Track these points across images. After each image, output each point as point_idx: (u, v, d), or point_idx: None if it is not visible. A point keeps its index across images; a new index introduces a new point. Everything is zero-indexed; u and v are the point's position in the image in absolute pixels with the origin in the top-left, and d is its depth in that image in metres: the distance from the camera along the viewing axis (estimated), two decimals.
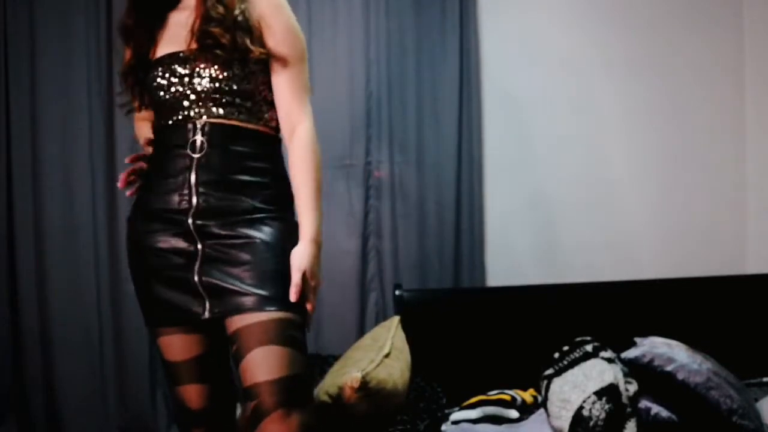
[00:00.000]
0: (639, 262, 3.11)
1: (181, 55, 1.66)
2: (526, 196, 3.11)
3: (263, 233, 1.61)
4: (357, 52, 2.98)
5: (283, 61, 1.67)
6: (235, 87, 1.64)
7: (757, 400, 2.17)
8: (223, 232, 1.59)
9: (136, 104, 1.75)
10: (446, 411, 2.33)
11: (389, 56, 2.99)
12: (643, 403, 1.88)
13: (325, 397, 1.72)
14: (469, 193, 3.03)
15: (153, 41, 1.71)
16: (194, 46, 1.66)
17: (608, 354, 1.96)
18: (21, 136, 2.85)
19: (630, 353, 2.01)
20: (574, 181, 3.13)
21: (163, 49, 1.70)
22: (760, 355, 2.72)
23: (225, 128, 1.63)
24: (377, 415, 1.78)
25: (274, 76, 1.68)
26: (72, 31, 2.87)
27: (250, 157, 1.65)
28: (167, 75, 1.66)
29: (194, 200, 1.59)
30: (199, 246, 1.59)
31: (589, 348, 1.99)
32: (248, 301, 1.53)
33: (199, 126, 1.61)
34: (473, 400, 2.36)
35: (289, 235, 1.66)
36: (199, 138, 1.60)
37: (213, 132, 1.62)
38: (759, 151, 3.18)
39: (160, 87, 1.67)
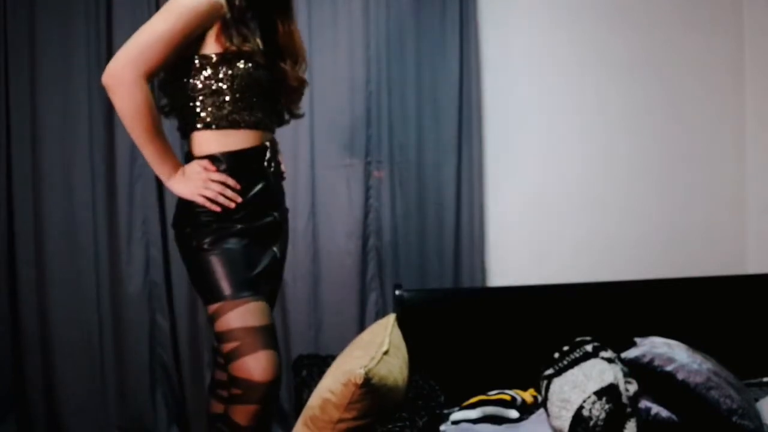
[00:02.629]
0: (639, 262, 3.11)
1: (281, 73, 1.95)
2: (526, 196, 3.11)
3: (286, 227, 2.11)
4: (357, 52, 2.98)
5: None
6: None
7: (757, 400, 2.16)
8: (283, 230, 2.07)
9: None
10: (446, 411, 2.33)
11: (389, 56, 2.99)
12: (643, 403, 1.88)
13: (328, 395, 1.72)
14: (469, 193, 3.03)
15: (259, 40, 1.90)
16: (293, 70, 1.98)
17: (608, 354, 1.96)
18: (21, 136, 2.85)
19: (630, 353, 2.01)
20: (574, 181, 3.13)
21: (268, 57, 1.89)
22: (760, 355, 2.72)
23: (275, 143, 1.98)
24: (378, 412, 1.78)
25: None
26: (72, 31, 2.87)
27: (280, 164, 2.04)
28: (275, 85, 1.95)
29: (273, 208, 1.99)
30: (277, 242, 2.01)
31: (589, 348, 1.99)
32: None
33: (268, 144, 1.93)
34: (473, 400, 2.36)
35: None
36: (269, 155, 1.93)
37: (275, 148, 1.97)
38: (759, 151, 3.18)
39: (270, 98, 1.93)
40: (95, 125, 2.89)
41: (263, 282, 1.87)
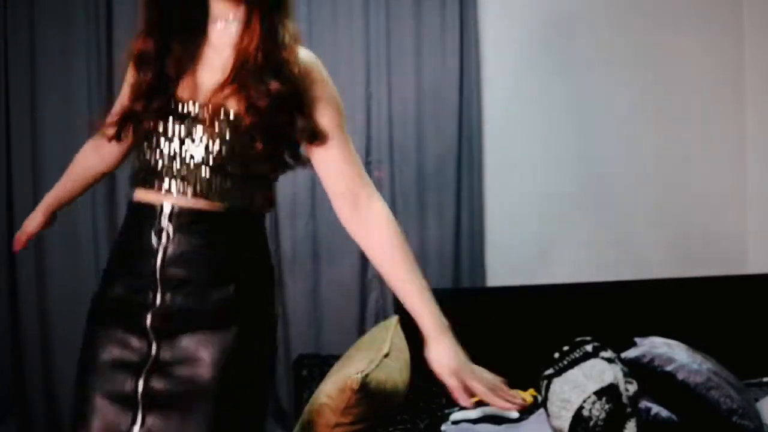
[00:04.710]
0: (639, 262, 3.11)
1: (188, 108, 1.34)
2: (526, 196, 3.11)
3: (227, 340, 1.30)
4: (357, 52, 2.98)
5: (334, 133, 1.39)
6: (236, 168, 1.34)
7: (757, 400, 2.17)
8: (183, 337, 1.29)
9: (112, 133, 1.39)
10: (446, 411, 2.33)
11: (389, 56, 2.99)
12: (643, 403, 1.88)
13: (325, 399, 1.72)
14: (469, 193, 3.03)
15: (176, 76, 1.36)
16: (216, 98, 1.32)
17: (608, 354, 1.96)
18: (21, 136, 2.85)
19: (630, 353, 2.01)
20: (574, 181, 3.13)
21: (181, 92, 1.36)
22: (760, 355, 2.72)
23: (196, 213, 1.32)
24: (376, 416, 1.78)
25: (321, 149, 1.38)
26: (72, 31, 2.87)
27: (223, 245, 1.34)
28: (166, 131, 1.34)
29: (158, 298, 1.31)
30: (153, 348, 1.29)
31: (589, 348, 1.99)
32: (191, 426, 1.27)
33: (167, 209, 1.32)
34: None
35: (256, 334, 1.36)
36: (166, 222, 1.31)
37: (183, 216, 1.32)
38: (759, 151, 3.18)
39: (152, 144, 1.35)
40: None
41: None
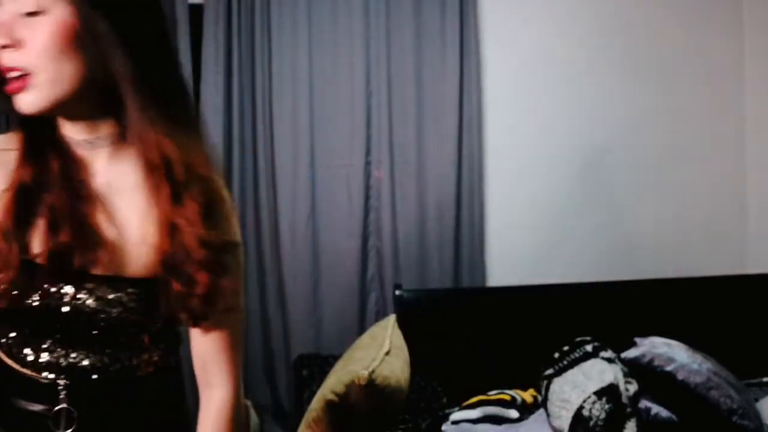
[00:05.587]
0: (639, 262, 3.11)
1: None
2: (527, 196, 3.11)
3: None
4: (357, 52, 2.98)
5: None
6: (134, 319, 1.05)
7: (757, 400, 2.17)
8: None
9: None
10: (446, 411, 2.33)
11: (389, 56, 2.99)
12: (643, 403, 1.88)
13: (332, 396, 1.73)
14: (469, 193, 3.03)
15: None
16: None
17: (608, 354, 1.96)
18: None
19: (630, 353, 2.02)
20: (574, 180, 3.13)
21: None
22: (760, 355, 2.72)
23: (98, 383, 1.05)
24: (382, 412, 1.79)
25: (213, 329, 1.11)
26: None
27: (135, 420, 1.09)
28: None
29: None
30: None
31: (589, 348, 1.99)
32: None
33: (62, 383, 1.04)
34: (473, 400, 2.36)
35: None
36: (65, 406, 1.04)
37: (83, 390, 1.05)
38: (759, 151, 3.18)
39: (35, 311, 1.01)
40: None
41: None
